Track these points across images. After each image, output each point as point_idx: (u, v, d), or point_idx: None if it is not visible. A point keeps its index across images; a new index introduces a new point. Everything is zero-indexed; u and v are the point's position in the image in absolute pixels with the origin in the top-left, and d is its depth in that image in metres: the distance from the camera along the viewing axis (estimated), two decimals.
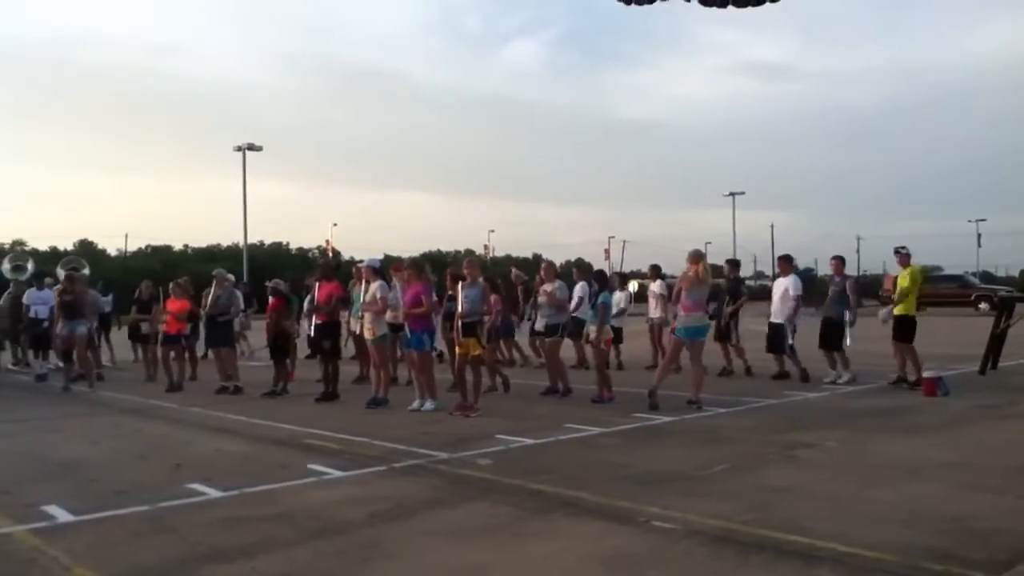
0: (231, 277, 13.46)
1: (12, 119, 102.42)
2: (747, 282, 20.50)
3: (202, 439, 8.65)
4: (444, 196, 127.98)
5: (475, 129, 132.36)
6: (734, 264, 14.63)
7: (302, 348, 13.88)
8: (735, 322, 13.50)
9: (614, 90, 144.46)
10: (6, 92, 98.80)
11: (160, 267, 47.25)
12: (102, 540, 4.99)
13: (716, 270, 14.47)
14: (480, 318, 9.92)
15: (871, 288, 34.01)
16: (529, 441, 7.84)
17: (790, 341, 12.36)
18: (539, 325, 12.08)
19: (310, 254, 69.71)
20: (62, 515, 5.46)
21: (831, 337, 12.17)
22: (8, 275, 18.18)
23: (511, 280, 15.57)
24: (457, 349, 10.12)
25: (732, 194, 66.30)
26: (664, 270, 15.88)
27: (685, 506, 5.35)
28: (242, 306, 14.21)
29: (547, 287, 11.39)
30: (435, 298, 10.44)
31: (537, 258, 67.22)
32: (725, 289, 13.56)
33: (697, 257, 10.04)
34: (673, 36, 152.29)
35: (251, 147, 43.55)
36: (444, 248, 78.95)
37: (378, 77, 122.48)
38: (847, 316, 11.98)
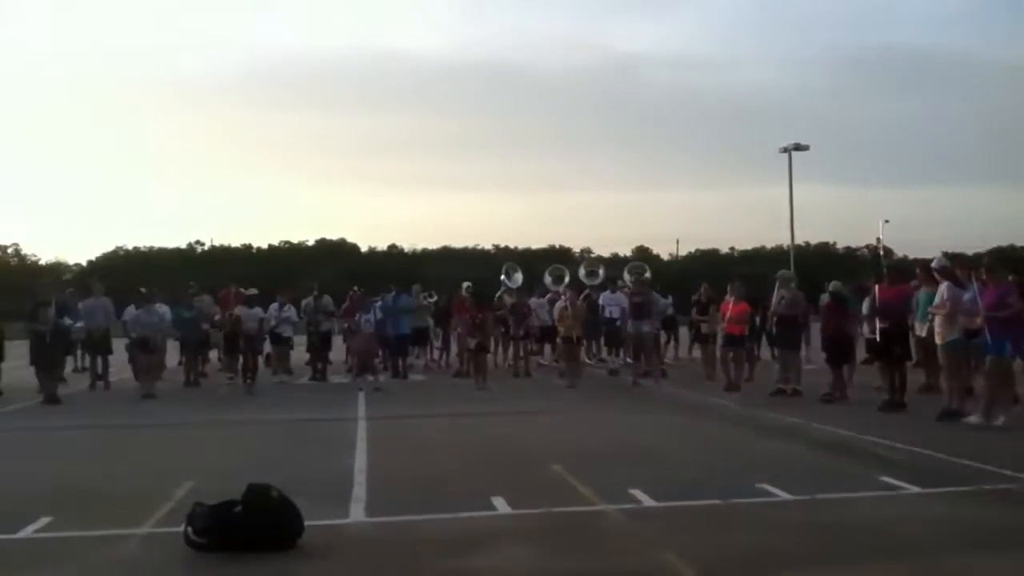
0: (793, 277, 13.43)
1: (584, 147, 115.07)
2: None
3: (763, 439, 8.77)
4: (1017, 185, 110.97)
5: None
6: None
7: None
8: None
9: None
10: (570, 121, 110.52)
11: (708, 270, 49.30)
12: (681, 527, 5.33)
13: None
14: None
15: None
16: None
17: None
18: None
19: (858, 253, 66.62)
20: (645, 500, 5.95)
21: None
22: (584, 280, 20.58)
23: None
24: None
25: None
26: None
27: None
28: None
29: None
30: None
31: None
32: None
33: None
34: None
35: (797, 147, 43.00)
36: (1021, 243, 68.99)
37: (941, 63, 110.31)
38: None
